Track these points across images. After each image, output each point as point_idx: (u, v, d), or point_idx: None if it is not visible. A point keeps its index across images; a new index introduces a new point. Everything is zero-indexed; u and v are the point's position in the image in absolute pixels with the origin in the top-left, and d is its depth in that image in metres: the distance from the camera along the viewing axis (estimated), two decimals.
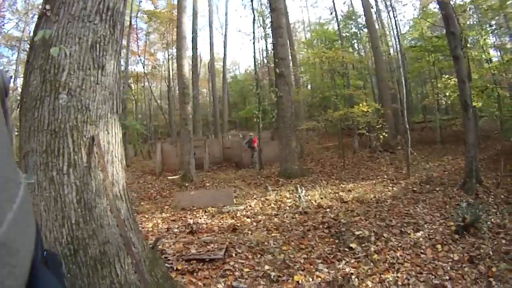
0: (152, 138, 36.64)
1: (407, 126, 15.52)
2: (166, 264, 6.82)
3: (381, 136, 17.83)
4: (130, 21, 33.12)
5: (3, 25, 30.04)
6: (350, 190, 13.11)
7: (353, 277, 6.46)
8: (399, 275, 6.55)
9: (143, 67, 42.28)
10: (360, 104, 18.10)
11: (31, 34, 4.42)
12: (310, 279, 6.45)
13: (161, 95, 51.82)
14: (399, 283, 6.29)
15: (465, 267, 7.07)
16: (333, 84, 23.79)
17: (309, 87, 38.50)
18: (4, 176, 0.47)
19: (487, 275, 6.85)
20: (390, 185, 13.46)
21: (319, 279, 6.47)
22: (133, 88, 42.35)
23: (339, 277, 6.47)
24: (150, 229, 9.98)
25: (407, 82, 25.04)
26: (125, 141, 30.13)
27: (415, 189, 12.28)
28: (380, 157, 19.63)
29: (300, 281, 6.33)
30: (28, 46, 4.46)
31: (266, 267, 6.80)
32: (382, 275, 6.54)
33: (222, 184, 16.57)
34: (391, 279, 6.40)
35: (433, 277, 6.51)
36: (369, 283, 6.29)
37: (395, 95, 23.80)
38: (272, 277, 6.39)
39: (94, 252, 3.95)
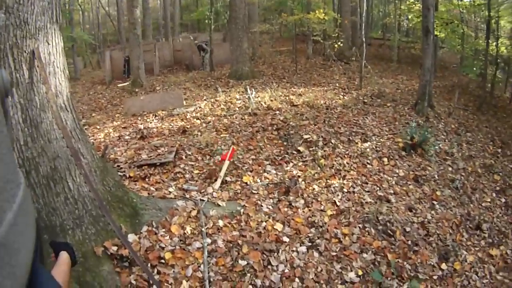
0: (102, 47, 35.42)
1: (363, 39, 15.54)
2: (119, 172, 6.92)
3: (336, 45, 18.06)
4: None
5: None
6: (300, 94, 13.24)
7: (300, 179, 6.72)
8: (345, 182, 6.83)
9: None
10: (317, 11, 17.69)
11: None
12: (258, 180, 6.70)
13: (109, 1, 49.42)
14: (345, 189, 6.59)
15: (410, 184, 7.43)
16: None
17: None
18: (4, 176, 0.48)
19: (431, 197, 7.25)
20: (341, 93, 13.68)
21: (267, 180, 6.71)
22: None
23: (287, 179, 6.71)
24: (102, 139, 9.98)
25: None
26: (74, 54, 29.13)
27: (365, 101, 12.50)
28: (333, 65, 19.73)
29: (248, 182, 6.58)
30: None
31: (215, 168, 6.95)
32: (328, 180, 6.81)
33: (173, 87, 16.47)
34: (337, 185, 6.68)
35: (378, 188, 6.83)
36: (315, 186, 6.58)
37: (355, 8, 23.34)
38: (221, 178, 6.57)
39: (45, 170, 3.93)
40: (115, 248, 4.15)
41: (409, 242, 5.83)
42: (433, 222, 6.56)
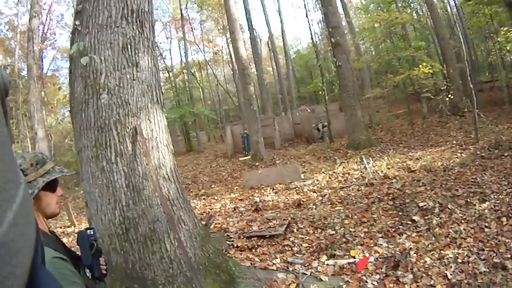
0: (223, 122, 37.37)
1: (472, 86, 14.64)
2: (228, 242, 7.10)
3: (447, 99, 17.01)
4: (181, 13, 33.76)
5: (55, 41, 31.52)
6: (418, 158, 12.71)
7: (411, 252, 6.26)
8: (460, 251, 6.19)
9: (204, 55, 43.26)
10: (420, 66, 17.14)
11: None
12: (367, 254, 6.37)
13: (227, 79, 52.53)
14: (459, 260, 5.94)
15: None
16: (393, 47, 22.91)
17: (373, 53, 37.47)
18: (4, 176, 0.47)
19: None
20: (459, 151, 12.85)
21: (377, 254, 6.37)
22: (197, 77, 43.42)
23: (397, 253, 6.32)
24: (218, 209, 10.29)
25: (467, 38, 23.45)
26: (196, 128, 31.08)
27: (483, 154, 11.52)
28: (449, 121, 18.79)
29: (355, 256, 6.29)
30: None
31: (325, 242, 6.79)
32: (442, 251, 6.24)
33: (292, 161, 16.60)
34: (451, 255, 6.08)
35: (495, 254, 6.02)
36: (427, 259, 6.05)
37: (459, 53, 22.10)
38: (329, 252, 6.43)
39: (144, 230, 4.41)
40: None
41: None
42: None
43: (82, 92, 4.48)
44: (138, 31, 4.66)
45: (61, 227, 12.03)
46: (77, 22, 4.59)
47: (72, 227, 11.65)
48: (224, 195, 12.29)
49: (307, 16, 26.22)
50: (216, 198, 12.00)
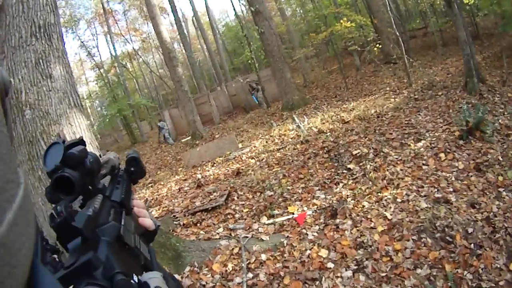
0: (163, 107, 37.16)
1: (397, 34, 15.16)
2: (174, 222, 7.40)
3: (375, 49, 17.53)
4: (103, 7, 33.32)
5: None
6: (352, 109, 13.10)
7: (348, 199, 6.47)
8: (398, 191, 6.35)
9: (132, 45, 43.05)
10: (342, 21, 17.42)
11: None
12: (305, 209, 6.61)
13: (160, 64, 51.82)
14: (398, 199, 6.12)
15: (471, 176, 6.59)
16: (316, 7, 23.24)
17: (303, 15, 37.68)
18: (4, 176, 0.47)
19: (496, 184, 6.33)
20: (392, 96, 13.29)
21: (315, 206, 6.59)
22: (129, 68, 42.80)
23: (335, 202, 6.51)
24: (165, 194, 10.51)
25: None
26: (136, 119, 30.77)
27: (416, 96, 11.96)
28: (382, 70, 19.33)
29: (294, 212, 6.54)
30: None
31: (264, 204, 7.10)
32: (379, 194, 6.42)
33: (231, 132, 16.90)
34: (389, 196, 6.24)
35: (436, 190, 6.21)
36: (365, 203, 6.24)
37: (385, 5, 22.78)
38: (268, 213, 6.74)
39: None
40: None
41: (472, 246, 5.08)
42: (500, 214, 5.61)
43: (9, 112, 4.71)
44: (47, 44, 4.91)
45: None
46: None
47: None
48: (169, 179, 12.52)
49: None
50: (162, 183, 12.21)
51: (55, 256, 0.80)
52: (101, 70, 37.30)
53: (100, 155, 1.05)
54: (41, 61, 4.81)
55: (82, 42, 38.38)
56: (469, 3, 15.30)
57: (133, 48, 43.16)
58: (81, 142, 0.88)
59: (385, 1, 16.24)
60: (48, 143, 4.57)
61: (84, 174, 0.83)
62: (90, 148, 5.06)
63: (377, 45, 17.49)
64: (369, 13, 22.68)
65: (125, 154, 1.18)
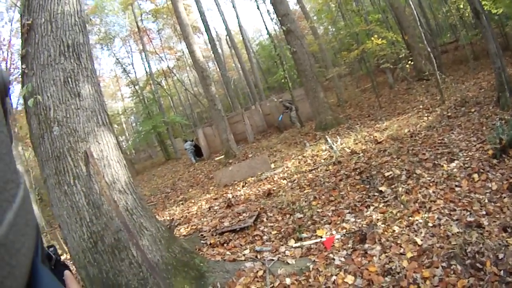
0: (197, 125, 37.49)
1: (429, 49, 14.89)
2: (202, 241, 7.40)
3: (407, 66, 17.23)
4: (138, 26, 34.02)
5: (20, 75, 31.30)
6: (385, 128, 12.87)
7: (378, 223, 6.26)
8: (430, 215, 6.11)
9: (167, 63, 43.78)
10: (373, 38, 17.25)
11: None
12: (334, 232, 6.45)
13: (195, 82, 52.51)
14: (429, 224, 5.89)
15: (504, 197, 6.24)
16: (349, 24, 23.10)
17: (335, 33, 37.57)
18: (4, 176, 0.47)
19: None
20: (425, 114, 12.96)
21: (344, 230, 6.43)
22: (164, 85, 43.50)
23: (364, 226, 6.33)
24: (195, 212, 10.56)
25: (421, 4, 23.44)
26: (170, 136, 31.15)
27: (449, 114, 11.60)
28: (415, 87, 18.99)
29: (322, 236, 6.41)
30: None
31: (293, 226, 7.00)
32: (410, 218, 6.19)
33: (263, 152, 16.80)
34: (420, 221, 6.02)
35: (468, 213, 5.93)
36: (395, 228, 6.02)
37: (415, 20, 22.34)
38: (297, 235, 6.63)
39: (109, 241, 4.88)
40: None
41: (501, 272, 4.69)
42: None
43: (37, 128, 4.98)
44: (76, 64, 5.12)
45: None
46: (23, 66, 5.10)
47: (64, 254, 11.78)
48: (200, 197, 12.57)
49: (258, 8, 26.32)
50: (193, 201, 12.29)
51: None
52: (136, 87, 38.05)
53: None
54: (69, 79, 5.02)
55: (117, 59, 39.08)
56: (498, 13, 14.90)
57: (167, 66, 43.88)
58: None
59: (415, 16, 15.96)
60: (75, 159, 4.74)
61: None
62: (117, 166, 5.23)
63: (409, 62, 17.19)
64: (400, 29, 22.39)
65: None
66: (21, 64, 5.20)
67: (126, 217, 4.96)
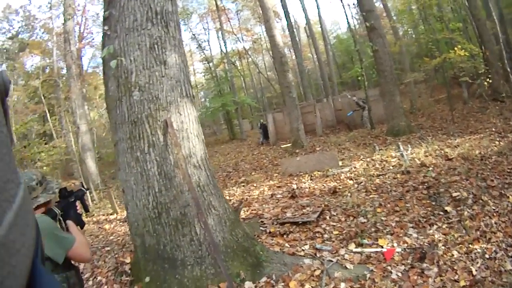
0: (266, 110, 37.53)
1: (509, 70, 14.10)
2: (261, 228, 7.35)
3: (485, 83, 16.53)
4: (217, 4, 34.24)
5: (93, 39, 32.35)
6: (456, 146, 12.40)
7: (440, 244, 6.09)
8: (488, 246, 5.93)
9: (243, 44, 44.27)
10: (456, 48, 16.42)
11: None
12: (395, 244, 6.31)
13: (269, 66, 52.66)
14: (486, 255, 5.70)
15: None
16: (430, 30, 22.23)
17: (413, 36, 36.40)
18: (4, 176, 0.47)
19: None
20: (497, 139, 12.41)
21: (405, 244, 6.29)
22: (238, 66, 43.82)
23: (425, 244, 6.18)
24: (256, 196, 10.57)
25: (503, 18, 22.20)
26: (239, 116, 31.37)
27: None
28: (489, 107, 18.08)
29: (383, 246, 6.27)
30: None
31: (355, 230, 6.85)
32: (470, 245, 6.00)
33: (332, 147, 16.66)
34: (479, 250, 5.83)
35: None
36: (455, 252, 5.85)
37: (496, 35, 20.06)
38: (358, 240, 6.49)
39: (175, 214, 4.87)
40: None
41: None
42: None
43: (115, 91, 4.97)
44: (164, 31, 5.07)
45: (104, 215, 12.62)
46: (105, 27, 5.09)
47: (115, 214, 12.20)
48: (263, 182, 12.58)
49: (341, 1, 25.85)
50: (255, 185, 12.30)
51: None
52: (210, 64, 38.49)
53: None
54: (156, 46, 4.96)
55: (194, 34, 39.83)
56: None
57: (243, 47, 44.30)
58: None
59: (497, 31, 15.02)
60: (153, 127, 4.72)
61: None
62: (196, 140, 5.20)
63: (488, 79, 16.51)
64: (480, 43, 21.06)
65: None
66: (103, 26, 5.21)
67: (197, 192, 4.93)
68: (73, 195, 3.13)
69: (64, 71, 26.02)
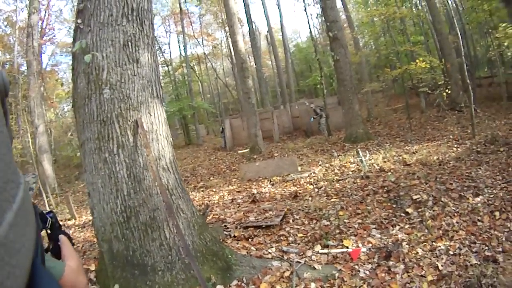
0: (223, 115, 37.55)
1: (468, 81, 14.58)
2: (225, 232, 7.31)
3: (444, 94, 17.04)
4: (180, 7, 34.06)
5: (54, 36, 31.66)
6: (414, 152, 12.80)
7: (404, 243, 6.31)
8: (451, 243, 6.21)
9: (203, 48, 44.06)
10: (417, 60, 17.00)
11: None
12: (360, 245, 6.45)
13: (227, 72, 52.80)
14: (451, 252, 5.95)
15: None
16: (391, 42, 22.86)
17: (373, 47, 37.31)
18: (4, 176, 0.47)
19: None
20: (455, 145, 12.86)
21: (370, 244, 6.44)
22: (196, 70, 43.69)
23: (390, 243, 6.36)
24: (216, 201, 10.51)
25: (465, 33, 23.08)
26: (195, 121, 31.23)
27: (479, 149, 11.51)
28: (447, 116, 18.79)
29: (349, 246, 6.40)
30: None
31: (320, 232, 6.91)
32: (434, 243, 6.27)
33: (290, 153, 16.78)
34: (442, 247, 6.10)
35: (486, 248, 6.03)
36: (419, 250, 6.09)
37: (458, 49, 21.44)
38: (323, 242, 6.55)
39: (144, 218, 4.70)
40: None
41: None
42: None
43: (85, 88, 4.74)
44: (139, 29, 4.92)
45: (61, 220, 12.23)
46: (79, 21, 4.86)
47: (73, 219, 11.87)
48: (222, 187, 12.54)
49: (305, 10, 26.35)
50: (214, 190, 12.25)
51: None
52: (169, 67, 38.17)
53: None
54: (129, 43, 4.81)
55: (155, 36, 39.17)
56: None
57: (203, 51, 44.11)
58: None
59: (459, 45, 15.61)
60: (123, 127, 4.58)
61: None
62: (165, 142, 5.09)
63: (447, 90, 17.05)
64: (440, 55, 22.05)
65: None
66: (76, 19, 5.00)
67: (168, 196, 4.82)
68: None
69: (24, 68, 25.20)
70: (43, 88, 25.10)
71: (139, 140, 4.69)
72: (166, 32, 42.75)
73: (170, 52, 40.74)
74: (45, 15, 27.46)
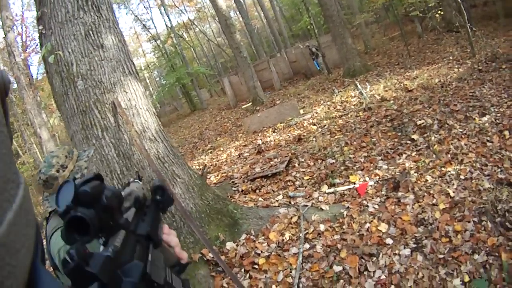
0: (222, 75, 37.41)
1: (460, 1, 14.29)
2: (233, 188, 7.42)
3: (437, 16, 16.70)
4: None
5: (37, 45, 31.38)
6: (415, 77, 12.59)
7: (411, 172, 6.17)
8: (462, 167, 5.99)
9: (187, 15, 44.17)
10: None
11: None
12: (367, 179, 6.40)
13: (218, 32, 52.22)
14: (461, 177, 5.76)
15: None
16: None
17: None
18: (4, 176, 0.47)
19: None
20: (456, 66, 12.56)
21: (377, 177, 6.38)
22: (186, 38, 43.31)
23: (397, 173, 6.24)
24: (224, 160, 10.64)
25: None
26: (195, 87, 31.12)
27: (480, 68, 11.17)
28: (444, 38, 18.36)
29: (355, 182, 6.36)
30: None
31: (326, 172, 6.94)
32: (443, 168, 6.08)
33: (291, 98, 16.73)
34: (453, 172, 5.90)
35: (499, 170, 5.76)
36: (428, 177, 5.94)
37: None
38: (330, 181, 6.59)
39: None
40: (211, 255, 4.54)
41: None
42: None
43: (60, 86, 4.89)
44: (97, 16, 4.97)
45: None
46: (40, 27, 4.98)
47: None
48: (229, 145, 12.68)
49: None
50: (222, 149, 12.40)
51: None
52: (158, 42, 37.99)
53: (128, 182, 1.07)
54: (91, 32, 4.89)
55: (136, 16, 39.35)
56: None
57: (188, 18, 43.67)
58: (97, 177, 0.78)
59: None
60: (102, 111, 4.66)
61: (101, 211, 0.73)
62: (147, 114, 5.13)
63: (439, 12, 16.69)
64: None
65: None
66: (38, 26, 5.10)
67: (158, 165, 4.90)
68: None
69: (15, 85, 25.28)
70: (39, 97, 25.11)
71: (120, 119, 4.78)
72: (146, 8, 42.37)
73: (155, 27, 40.54)
74: (22, 29, 27.25)
